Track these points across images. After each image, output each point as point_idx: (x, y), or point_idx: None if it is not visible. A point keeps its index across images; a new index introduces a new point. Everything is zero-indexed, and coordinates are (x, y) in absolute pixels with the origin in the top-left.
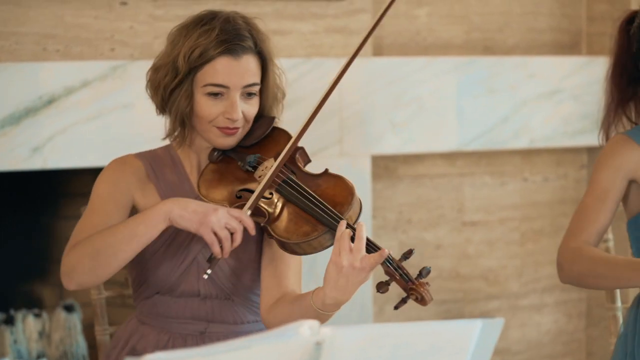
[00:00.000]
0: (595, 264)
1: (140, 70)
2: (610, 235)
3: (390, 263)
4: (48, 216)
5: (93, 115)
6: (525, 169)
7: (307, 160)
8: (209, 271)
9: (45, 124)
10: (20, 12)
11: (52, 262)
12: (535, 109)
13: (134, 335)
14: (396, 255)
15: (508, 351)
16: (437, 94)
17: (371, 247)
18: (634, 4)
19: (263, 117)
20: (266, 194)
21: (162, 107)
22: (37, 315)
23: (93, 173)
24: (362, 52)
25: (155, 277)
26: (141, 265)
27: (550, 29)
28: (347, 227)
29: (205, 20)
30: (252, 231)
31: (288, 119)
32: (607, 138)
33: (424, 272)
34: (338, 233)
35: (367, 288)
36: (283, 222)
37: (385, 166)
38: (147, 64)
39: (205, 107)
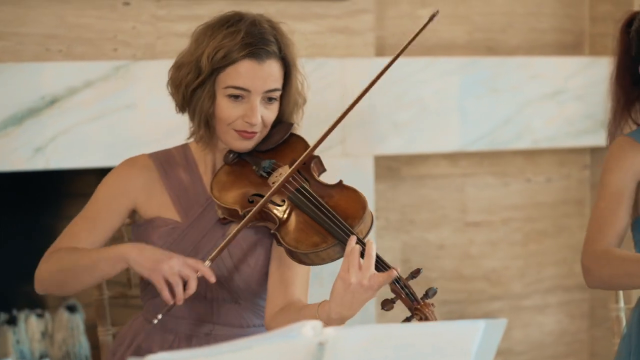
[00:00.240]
0: (627, 263)
1: (143, 71)
2: None
3: (397, 282)
4: (50, 216)
5: (95, 115)
6: (528, 169)
7: (322, 170)
8: (159, 316)
9: (47, 124)
10: (23, 12)
11: None
12: (538, 110)
13: (140, 334)
14: (402, 269)
15: (511, 352)
16: (439, 95)
17: (380, 265)
18: (637, 5)
19: (282, 123)
20: (278, 201)
21: (183, 105)
22: (40, 316)
23: (95, 173)
24: (364, 52)
25: None
26: None
27: (553, 30)
28: (357, 243)
29: (232, 22)
30: (212, 279)
31: None
32: (613, 139)
33: (430, 293)
34: (348, 248)
35: None
36: (293, 230)
37: (388, 166)
38: (150, 64)
39: (225, 109)
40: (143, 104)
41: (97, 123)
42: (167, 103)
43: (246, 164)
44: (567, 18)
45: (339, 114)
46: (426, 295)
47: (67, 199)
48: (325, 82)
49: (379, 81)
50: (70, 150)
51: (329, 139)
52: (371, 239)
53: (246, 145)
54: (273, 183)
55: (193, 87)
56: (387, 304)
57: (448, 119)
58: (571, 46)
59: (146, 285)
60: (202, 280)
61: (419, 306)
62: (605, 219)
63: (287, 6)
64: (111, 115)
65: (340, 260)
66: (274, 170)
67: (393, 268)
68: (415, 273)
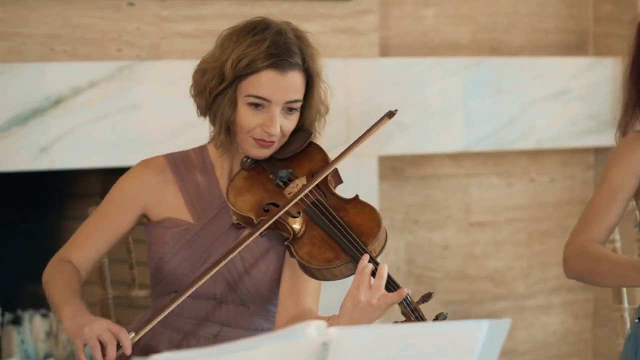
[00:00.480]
0: (601, 261)
1: (147, 71)
2: (617, 237)
3: (407, 304)
4: (55, 217)
5: (100, 115)
6: (532, 169)
7: (339, 182)
8: None
9: (52, 124)
10: (27, 12)
11: None
12: (542, 110)
13: (147, 332)
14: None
15: (515, 352)
16: (444, 95)
17: (391, 285)
18: None
19: (301, 131)
20: (294, 212)
21: (205, 110)
22: (44, 316)
23: (100, 173)
24: (368, 52)
25: (173, 276)
26: (161, 263)
27: (557, 30)
28: (369, 261)
29: (258, 30)
30: (127, 350)
31: None
32: (623, 136)
33: (440, 318)
34: (360, 266)
35: None
36: (306, 244)
37: (392, 167)
38: (154, 65)
39: (245, 116)
40: (147, 104)
41: (102, 123)
42: (172, 103)
43: (263, 171)
44: (571, 18)
45: (343, 115)
46: (436, 319)
47: (71, 199)
48: (329, 82)
49: (384, 81)
50: (75, 150)
51: (332, 139)
52: (384, 263)
53: (263, 153)
54: (289, 194)
55: (216, 93)
56: None
57: (452, 119)
58: (575, 46)
59: (156, 283)
60: (212, 283)
61: None
62: (595, 214)
63: (291, 6)
64: (115, 116)
65: (352, 277)
66: (290, 180)
67: (403, 288)
68: (427, 297)
